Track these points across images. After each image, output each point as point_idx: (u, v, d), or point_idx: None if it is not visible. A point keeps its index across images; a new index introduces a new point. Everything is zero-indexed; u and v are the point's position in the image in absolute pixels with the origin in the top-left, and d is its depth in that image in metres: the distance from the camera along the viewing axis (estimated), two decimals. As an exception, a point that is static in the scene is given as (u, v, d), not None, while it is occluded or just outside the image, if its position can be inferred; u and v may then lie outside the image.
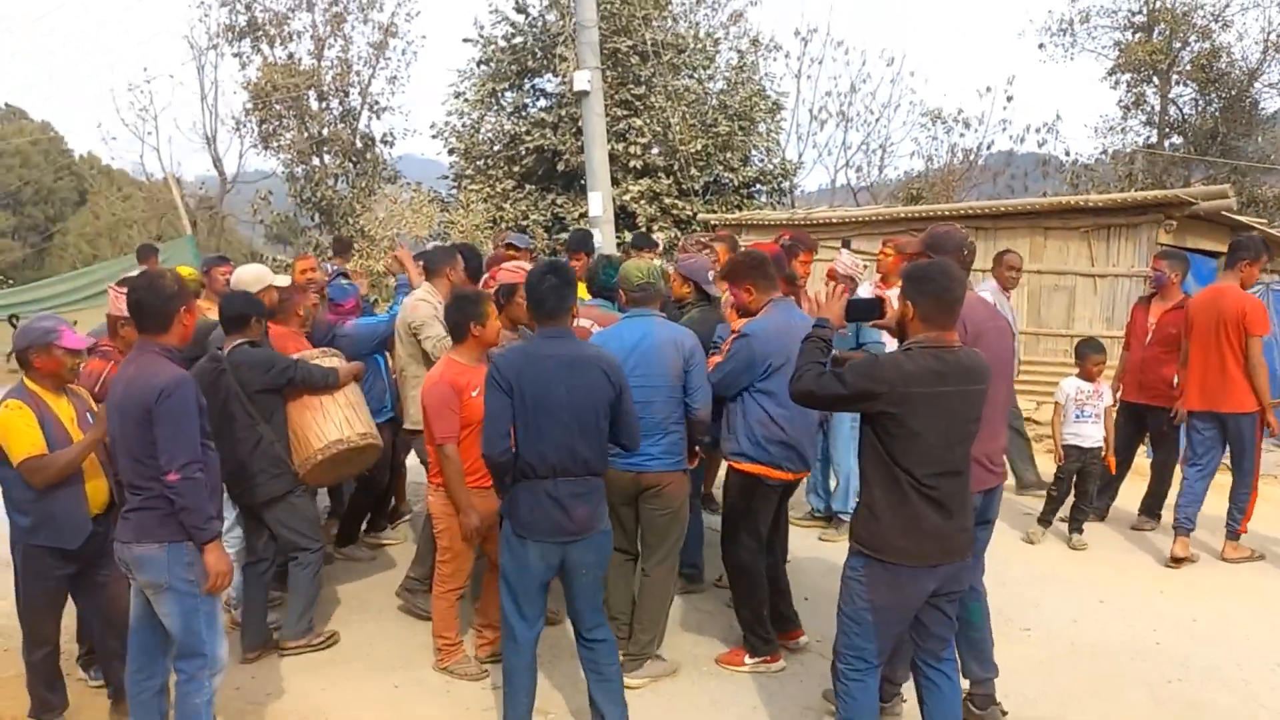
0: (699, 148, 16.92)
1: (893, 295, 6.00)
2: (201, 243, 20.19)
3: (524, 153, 17.67)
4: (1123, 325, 7.51)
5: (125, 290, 3.75)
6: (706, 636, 4.97)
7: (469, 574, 4.62)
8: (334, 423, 4.86)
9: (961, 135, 20.19)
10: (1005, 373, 4.03)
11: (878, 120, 20.93)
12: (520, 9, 18.38)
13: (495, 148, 18.46)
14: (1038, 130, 20.33)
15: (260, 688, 4.51)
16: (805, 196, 21.97)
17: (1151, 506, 6.89)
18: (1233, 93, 20.74)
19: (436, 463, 4.39)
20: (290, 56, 20.70)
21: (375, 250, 16.46)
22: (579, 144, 15.02)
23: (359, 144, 20.82)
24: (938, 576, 3.32)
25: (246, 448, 4.69)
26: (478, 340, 4.39)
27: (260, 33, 20.52)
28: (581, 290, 5.47)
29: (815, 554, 6.04)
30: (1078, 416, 6.40)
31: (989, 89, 20.11)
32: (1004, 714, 4.07)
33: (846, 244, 7.77)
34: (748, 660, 4.60)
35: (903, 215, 11.41)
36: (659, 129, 16.89)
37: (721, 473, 5.36)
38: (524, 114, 18.36)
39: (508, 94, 18.68)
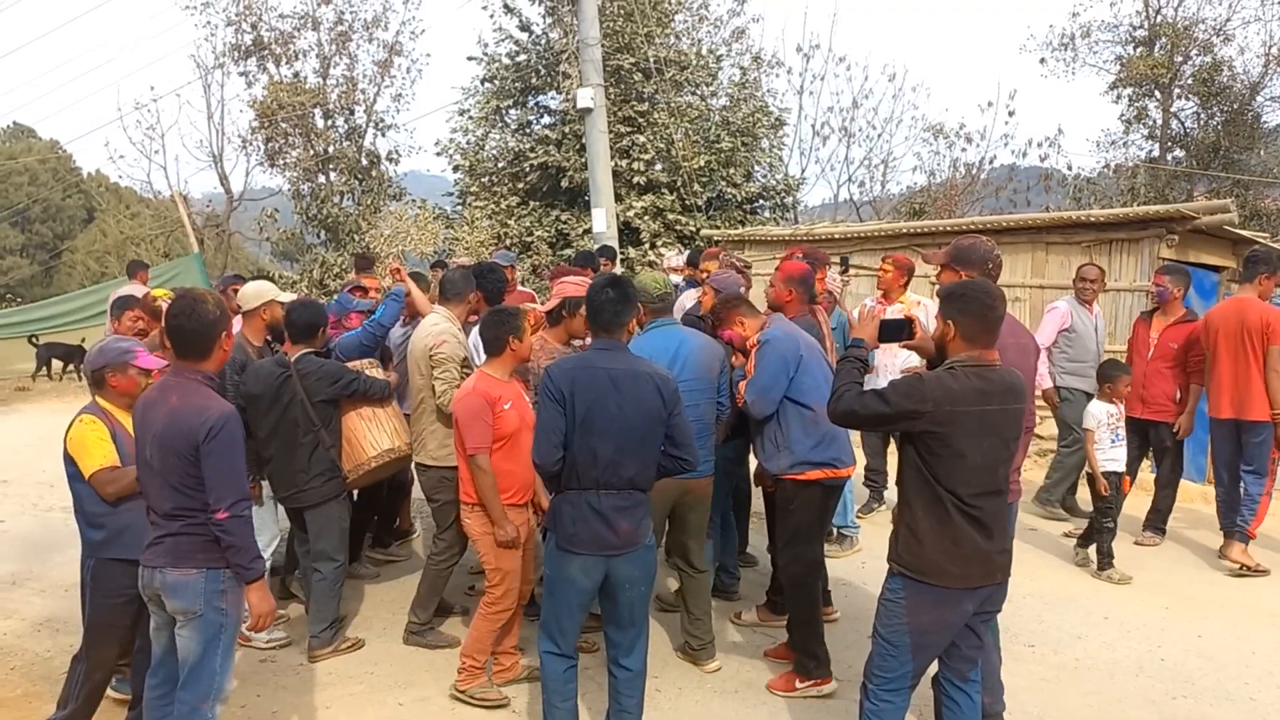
0: (702, 164, 16.97)
1: (892, 310, 6.10)
2: (208, 260, 20.32)
3: (528, 169, 17.74)
4: (1125, 340, 7.53)
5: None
6: (741, 657, 4.93)
7: (518, 597, 4.56)
8: (386, 432, 5.16)
9: (963, 150, 20.23)
10: (1028, 389, 3.95)
11: (880, 135, 20.93)
12: (524, 27, 18.50)
13: (500, 164, 18.54)
14: (1040, 144, 20.32)
15: (265, 706, 4.53)
16: (808, 211, 22.00)
17: (1155, 521, 6.90)
18: (1235, 107, 20.74)
19: (470, 480, 4.34)
20: (296, 75, 20.81)
21: (380, 267, 16.51)
22: (583, 160, 15.09)
23: (364, 161, 20.89)
24: (977, 598, 3.30)
25: (306, 451, 4.98)
26: (514, 354, 4.39)
27: (266, 52, 20.62)
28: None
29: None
30: (1113, 441, 6.16)
31: (990, 104, 20.20)
32: (1008, 732, 4.05)
33: (845, 260, 7.79)
34: (799, 685, 4.50)
35: (905, 230, 11.42)
36: (662, 145, 16.95)
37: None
38: (528, 131, 18.44)
39: (512, 111, 18.76)
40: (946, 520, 3.22)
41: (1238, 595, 5.94)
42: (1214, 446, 6.61)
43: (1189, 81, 21.17)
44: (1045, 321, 7.26)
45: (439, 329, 5.06)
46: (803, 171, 22.53)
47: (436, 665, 4.89)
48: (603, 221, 12.95)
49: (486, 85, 18.93)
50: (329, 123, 20.80)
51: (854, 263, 9.53)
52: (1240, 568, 6.22)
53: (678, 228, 16.95)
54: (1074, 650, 5.10)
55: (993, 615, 3.49)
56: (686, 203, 16.91)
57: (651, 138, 16.95)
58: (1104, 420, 6.14)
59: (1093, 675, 4.81)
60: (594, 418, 3.59)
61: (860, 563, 6.34)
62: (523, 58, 18.44)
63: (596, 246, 11.32)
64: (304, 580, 5.40)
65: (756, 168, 18.68)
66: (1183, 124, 22.12)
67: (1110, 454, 6.15)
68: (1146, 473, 7.59)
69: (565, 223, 17.45)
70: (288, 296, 5.59)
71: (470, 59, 18.98)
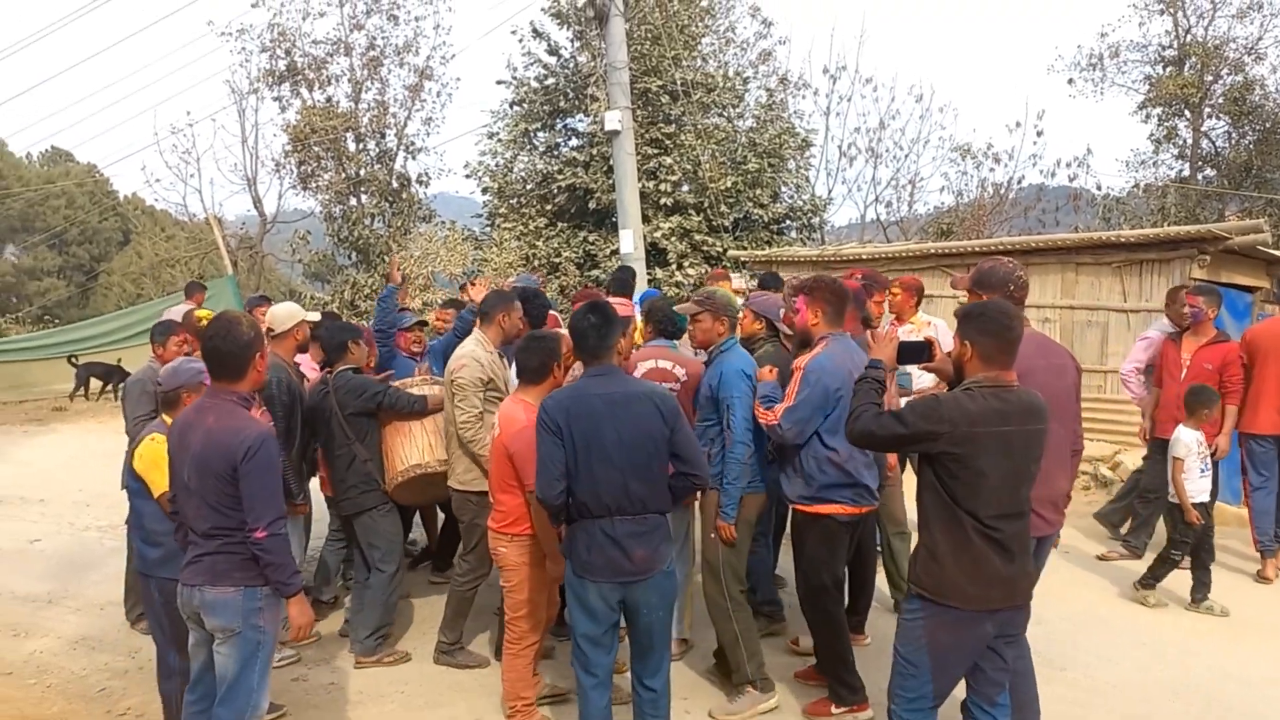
0: (729, 185, 17.05)
1: (902, 332, 6.06)
2: (242, 281, 20.60)
3: (556, 191, 17.90)
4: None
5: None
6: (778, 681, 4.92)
7: (545, 627, 4.54)
8: (418, 448, 5.22)
9: (991, 170, 20.16)
10: (1063, 413, 3.80)
11: (907, 156, 20.94)
12: (553, 51, 18.71)
13: (528, 186, 18.72)
14: (1068, 164, 20.19)
15: (298, 723, 4.58)
16: (835, 232, 22.01)
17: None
18: (1267, 125, 20.59)
19: (510, 512, 4.24)
20: (328, 100, 21.12)
21: (411, 287, 16.67)
22: (610, 182, 15.21)
23: (395, 184, 21.14)
24: (998, 621, 3.27)
25: (343, 463, 5.21)
26: (555, 382, 4.30)
27: (299, 77, 20.96)
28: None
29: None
30: (1202, 471, 5.87)
31: (1018, 124, 20.09)
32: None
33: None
34: (834, 710, 4.45)
35: (933, 251, 11.40)
36: (689, 167, 17.06)
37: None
38: (556, 153, 18.61)
39: (540, 134, 18.96)
40: (966, 542, 3.21)
41: (1273, 618, 5.86)
42: (1250, 458, 6.62)
43: (1220, 101, 21.05)
44: (1135, 351, 7.08)
45: (461, 352, 5.05)
46: (829, 192, 22.50)
47: (466, 685, 4.92)
48: (630, 242, 13.03)
49: (515, 108, 19.16)
50: (360, 146, 21.08)
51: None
52: None
53: (704, 248, 17.02)
54: (1106, 673, 5.04)
55: (1016, 638, 3.45)
56: (713, 224, 16.98)
57: (678, 159, 17.06)
58: (1194, 448, 5.85)
59: (1125, 699, 4.75)
60: (594, 445, 3.58)
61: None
62: (551, 81, 18.65)
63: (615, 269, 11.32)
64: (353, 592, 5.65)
65: (783, 188, 18.74)
66: (1214, 143, 21.97)
67: (1198, 484, 5.87)
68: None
69: (593, 244, 17.56)
70: (314, 316, 5.73)
71: (499, 83, 19.24)
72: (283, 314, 5.54)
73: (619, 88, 12.78)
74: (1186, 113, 21.71)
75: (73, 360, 16.04)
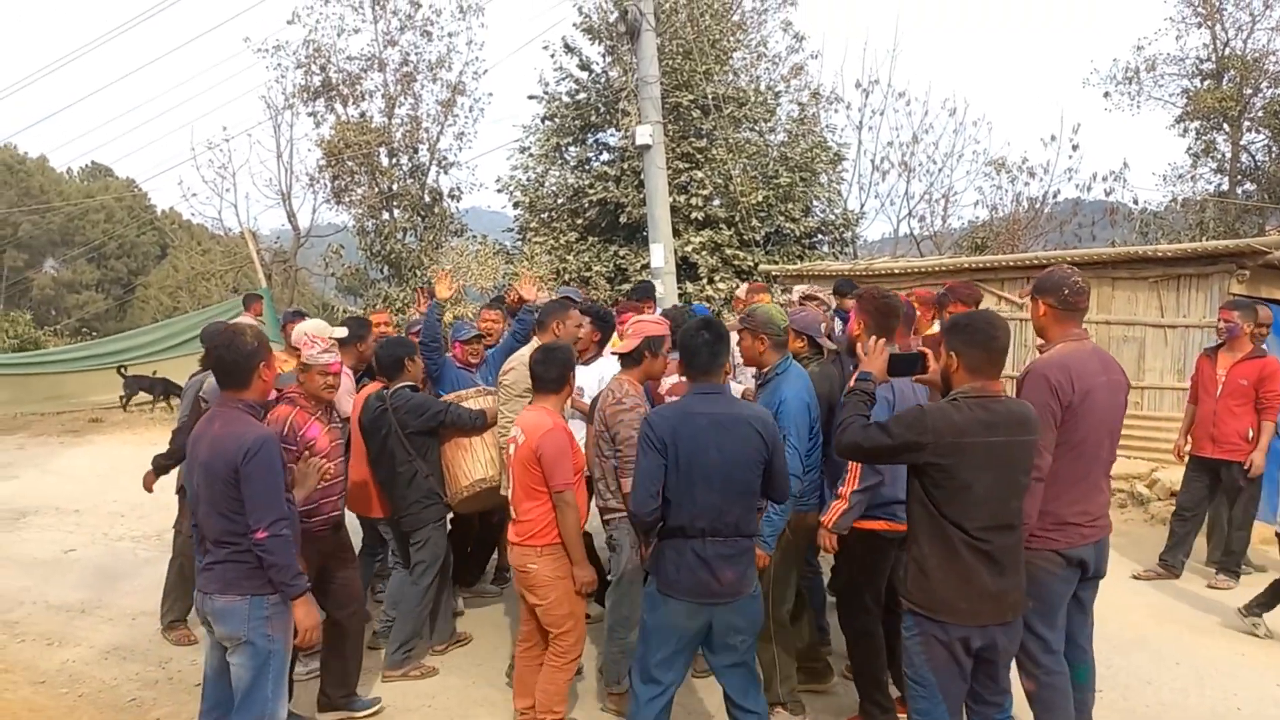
0: (760, 199, 17.01)
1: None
2: (276, 295, 20.83)
3: (587, 205, 17.94)
4: (1189, 378, 7.35)
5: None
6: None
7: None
8: (480, 462, 5.32)
9: (1026, 184, 19.94)
10: (1115, 430, 3.81)
11: (940, 170, 20.75)
12: (584, 66, 18.79)
13: (559, 200, 18.78)
14: (1105, 178, 19.89)
15: (325, 735, 4.58)
16: (868, 246, 21.86)
17: (1229, 563, 6.68)
18: (1308, 138, 20.26)
19: (536, 521, 4.15)
20: (362, 115, 21.36)
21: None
22: (641, 196, 15.22)
23: (427, 198, 21.32)
24: (986, 637, 3.22)
25: (405, 480, 5.23)
26: (571, 391, 4.40)
27: (334, 93, 21.23)
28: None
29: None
30: None
31: (1054, 138, 19.86)
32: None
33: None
34: None
35: (967, 265, 11.30)
36: (720, 181, 17.04)
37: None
38: (587, 168, 18.67)
39: (571, 148, 19.03)
40: (953, 555, 3.18)
41: (1318, 643, 5.72)
42: None
43: (1259, 114, 20.74)
44: None
45: (516, 356, 5.22)
46: (862, 206, 22.30)
47: (493, 700, 4.91)
48: (661, 256, 13.03)
49: (547, 123, 19.25)
50: (393, 161, 21.29)
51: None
52: None
53: (735, 263, 16.98)
54: (1144, 696, 4.94)
55: (1009, 658, 3.38)
56: (744, 238, 16.94)
57: (709, 173, 17.06)
58: None
59: (1164, 723, 4.66)
60: (696, 466, 3.50)
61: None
62: (582, 96, 18.72)
63: (635, 283, 11.35)
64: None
65: (815, 203, 18.65)
66: (1253, 157, 21.64)
67: None
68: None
69: (623, 258, 17.58)
70: (340, 332, 5.61)
71: (531, 98, 19.34)
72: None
73: (650, 102, 12.81)
74: (1225, 126, 21.39)
75: (121, 371, 16.25)
